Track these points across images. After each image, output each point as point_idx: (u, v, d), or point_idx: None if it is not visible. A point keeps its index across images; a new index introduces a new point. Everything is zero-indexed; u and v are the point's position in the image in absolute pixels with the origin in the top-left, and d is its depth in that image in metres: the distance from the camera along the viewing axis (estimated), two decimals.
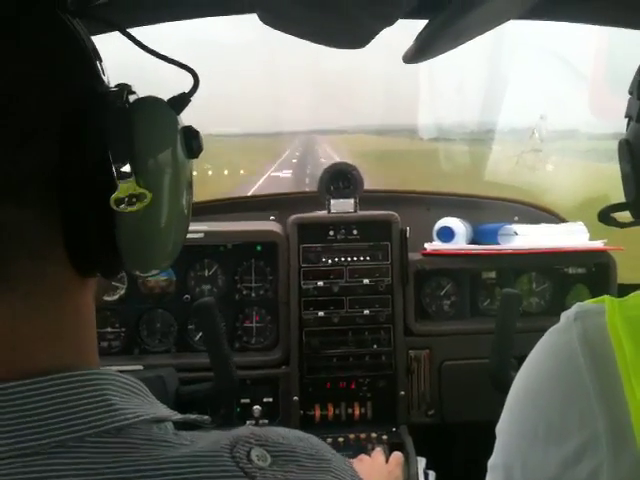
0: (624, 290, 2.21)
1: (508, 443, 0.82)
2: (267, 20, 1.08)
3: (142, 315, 2.18)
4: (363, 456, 1.66)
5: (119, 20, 1.17)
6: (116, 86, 0.60)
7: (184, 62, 0.68)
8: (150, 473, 0.49)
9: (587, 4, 1.19)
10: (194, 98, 0.65)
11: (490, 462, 0.85)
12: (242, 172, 24.15)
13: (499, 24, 1.03)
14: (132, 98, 0.59)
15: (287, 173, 24.46)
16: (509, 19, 1.04)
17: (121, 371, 0.59)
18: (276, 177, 23.49)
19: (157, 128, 0.59)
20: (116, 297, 2.10)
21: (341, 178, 2.27)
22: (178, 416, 0.58)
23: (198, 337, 2.20)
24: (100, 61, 0.62)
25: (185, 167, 0.61)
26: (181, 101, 0.64)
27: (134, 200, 0.54)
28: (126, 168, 0.54)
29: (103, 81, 0.61)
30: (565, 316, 0.79)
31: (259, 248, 2.22)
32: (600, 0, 1.17)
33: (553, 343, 0.80)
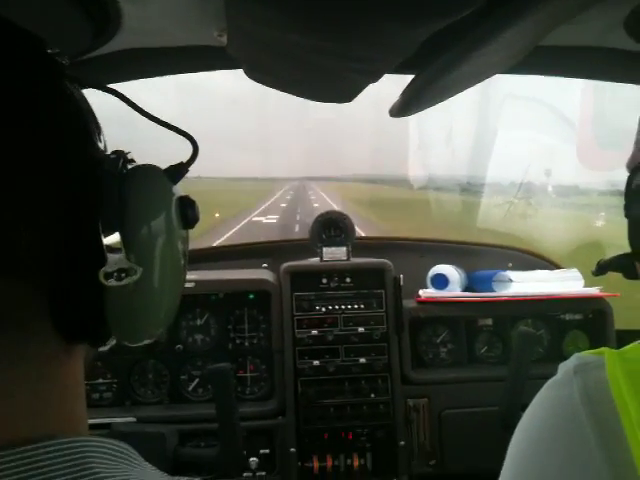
0: (622, 336, 2.22)
1: None
2: (253, 76, 1.09)
3: (134, 366, 2.15)
4: None
5: (106, 75, 1.18)
6: (112, 153, 0.58)
7: (181, 128, 0.67)
8: None
9: (569, 58, 1.21)
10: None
11: None
12: (217, 215, 23.34)
13: (485, 79, 1.04)
14: (130, 166, 0.58)
15: (272, 219, 24.18)
16: (495, 74, 1.05)
17: (112, 424, 0.56)
18: (257, 222, 23.18)
19: (150, 199, 0.57)
20: (107, 348, 2.07)
21: (333, 226, 2.27)
22: None
23: (191, 387, 2.16)
24: (97, 127, 0.60)
25: (179, 238, 0.59)
26: (179, 170, 0.62)
27: (123, 275, 0.53)
28: (115, 239, 0.52)
29: (98, 148, 0.59)
30: (564, 369, 0.76)
31: (252, 297, 2.20)
32: (584, 54, 1.18)
33: (553, 398, 0.77)
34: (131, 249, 0.53)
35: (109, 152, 0.59)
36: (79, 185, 0.53)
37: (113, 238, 0.53)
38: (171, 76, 1.33)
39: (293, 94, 1.16)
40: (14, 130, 0.49)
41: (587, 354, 0.76)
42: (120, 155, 0.57)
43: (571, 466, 0.69)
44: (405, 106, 1.05)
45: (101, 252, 0.52)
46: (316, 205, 30.43)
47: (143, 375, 2.15)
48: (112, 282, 0.52)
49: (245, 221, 23.55)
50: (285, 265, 2.19)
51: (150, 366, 2.16)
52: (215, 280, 2.18)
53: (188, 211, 0.59)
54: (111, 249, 0.53)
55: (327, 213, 2.32)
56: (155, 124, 0.67)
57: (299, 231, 18.19)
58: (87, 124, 0.58)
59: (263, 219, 24.47)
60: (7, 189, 0.48)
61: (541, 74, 1.32)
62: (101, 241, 0.52)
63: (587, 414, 0.69)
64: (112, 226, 0.52)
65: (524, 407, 1.79)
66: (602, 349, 0.75)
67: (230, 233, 18.49)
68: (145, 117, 0.66)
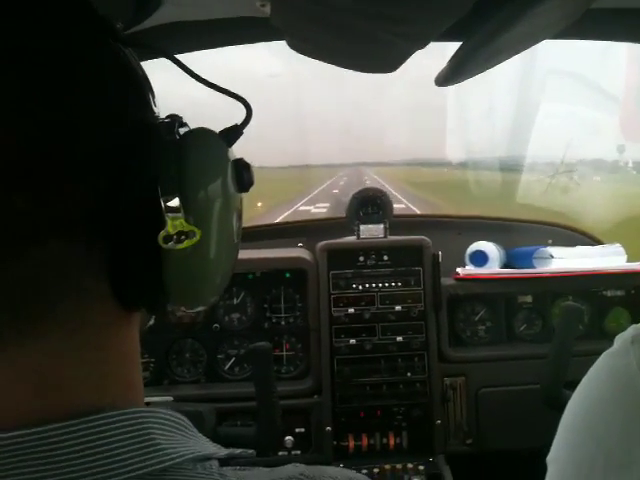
0: None
1: (562, 474, 0.77)
2: (296, 46, 1.07)
3: (171, 345, 2.16)
4: None
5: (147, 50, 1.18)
6: (167, 117, 0.58)
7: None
8: None
9: (621, 21, 1.17)
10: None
11: None
12: (259, 204, 21.02)
13: (535, 43, 1.00)
14: (183, 130, 0.57)
15: (322, 207, 22.24)
16: (544, 38, 1.01)
17: (151, 403, 0.56)
18: (304, 212, 21.71)
19: (208, 162, 0.56)
20: (145, 327, 2.09)
21: (370, 203, 2.24)
22: (223, 452, 0.55)
23: (228, 366, 2.17)
24: (151, 91, 0.60)
25: (236, 201, 0.59)
26: (233, 133, 0.62)
27: (183, 238, 0.52)
28: (175, 203, 0.51)
29: (154, 112, 0.59)
30: (621, 339, 0.75)
31: (288, 275, 2.20)
32: (633, 16, 1.14)
33: (610, 367, 0.75)
34: (190, 212, 0.52)
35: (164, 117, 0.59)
36: (137, 147, 0.52)
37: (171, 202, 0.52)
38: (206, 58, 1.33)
39: (336, 64, 1.14)
40: (75, 90, 0.49)
41: None
42: (175, 119, 0.57)
43: (629, 434, 0.68)
44: (452, 74, 1.02)
45: (160, 215, 0.51)
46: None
47: (180, 354, 2.17)
48: (171, 245, 0.52)
49: (290, 211, 21.93)
50: (322, 243, 2.17)
51: (187, 345, 2.17)
52: (252, 259, 2.18)
53: (244, 174, 0.59)
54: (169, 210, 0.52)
55: (365, 190, 2.29)
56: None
57: None
58: (143, 88, 0.58)
59: (312, 208, 22.89)
60: (61, 147, 0.47)
61: (592, 38, 1.28)
62: (160, 204, 0.51)
63: None
64: (171, 189, 0.52)
65: (567, 384, 1.77)
66: None
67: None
68: (199, 82, 0.66)
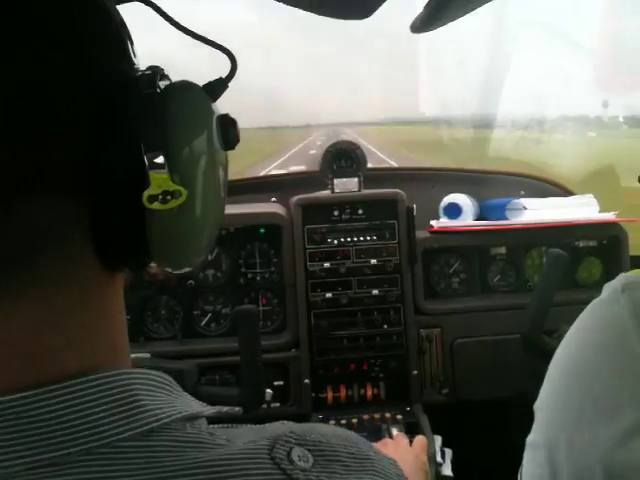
0: (637, 262, 2.20)
1: (550, 421, 0.77)
2: None
3: (147, 302, 2.16)
4: (387, 440, 1.63)
5: None
6: (147, 69, 0.55)
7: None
8: (186, 479, 0.47)
9: None
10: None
11: (529, 440, 0.80)
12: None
13: None
14: (164, 84, 0.54)
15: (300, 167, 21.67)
16: None
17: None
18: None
19: (192, 117, 0.54)
20: (127, 286, 2.07)
21: (344, 157, 2.23)
22: (210, 411, 0.55)
23: (204, 322, 2.17)
24: (131, 41, 0.57)
25: (221, 158, 0.57)
26: (218, 87, 0.60)
27: (168, 198, 0.50)
28: (159, 160, 0.49)
29: (134, 63, 0.56)
30: (610, 288, 0.75)
31: (262, 231, 2.19)
32: None
33: (600, 316, 0.76)
34: (175, 170, 0.50)
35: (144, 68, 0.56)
36: (116, 101, 0.50)
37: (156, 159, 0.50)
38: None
39: (308, 10, 1.11)
40: (45, 41, 0.46)
41: (633, 274, 0.76)
42: (156, 71, 0.54)
43: (621, 382, 0.68)
44: (427, 20, 1.00)
45: (144, 174, 0.49)
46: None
47: (156, 311, 2.16)
48: (156, 205, 0.50)
49: (264, 172, 21.77)
50: (296, 198, 2.16)
51: (162, 302, 2.16)
52: (225, 215, 2.16)
53: (230, 130, 0.57)
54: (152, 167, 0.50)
55: (338, 143, 2.26)
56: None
57: None
58: (121, 36, 0.55)
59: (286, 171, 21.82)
60: (41, 100, 0.45)
61: None
62: (144, 162, 0.49)
63: (636, 329, 0.68)
64: (154, 146, 0.49)
65: (547, 332, 1.78)
66: None
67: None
68: (179, 30, 0.64)
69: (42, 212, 0.46)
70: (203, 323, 2.18)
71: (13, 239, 0.45)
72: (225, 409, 0.58)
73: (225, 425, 0.57)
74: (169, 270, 0.60)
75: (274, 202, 2.38)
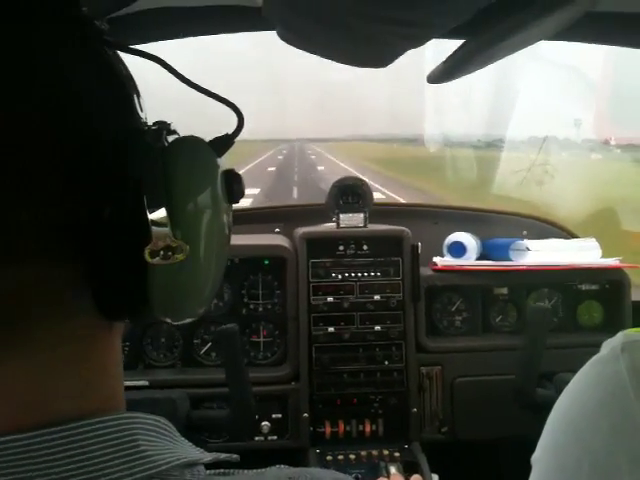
0: (639, 308, 2.20)
1: (546, 475, 0.77)
2: (287, 38, 1.04)
3: (146, 329, 2.15)
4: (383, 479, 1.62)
5: (136, 35, 1.14)
6: (154, 124, 0.55)
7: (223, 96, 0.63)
8: None
9: (620, 25, 1.17)
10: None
11: None
12: None
13: (532, 44, 1.00)
14: (171, 138, 0.55)
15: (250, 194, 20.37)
16: (542, 39, 1.01)
17: (127, 387, 0.56)
18: None
19: (197, 172, 0.54)
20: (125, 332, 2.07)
21: (350, 192, 2.24)
22: (208, 458, 0.55)
23: (204, 351, 2.17)
24: (138, 95, 0.57)
25: (226, 213, 0.57)
26: (224, 142, 0.59)
27: (170, 254, 0.50)
28: (162, 215, 0.49)
29: (140, 118, 0.56)
30: (610, 346, 0.74)
31: (267, 262, 2.19)
32: (633, 22, 1.15)
33: (598, 374, 0.75)
34: (178, 225, 0.50)
35: (150, 123, 0.56)
36: (120, 157, 0.50)
37: (157, 214, 0.50)
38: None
39: (325, 57, 1.12)
40: (49, 93, 0.47)
41: (633, 332, 0.75)
42: (162, 126, 0.54)
43: (616, 441, 0.67)
44: (447, 72, 1.01)
45: (146, 229, 0.49)
46: (321, 168, 27.72)
47: (156, 339, 2.15)
48: (158, 260, 0.50)
49: None
50: (302, 231, 2.17)
51: (163, 330, 2.16)
52: (230, 245, 2.16)
53: (234, 185, 0.57)
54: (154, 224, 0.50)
55: (345, 179, 2.28)
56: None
57: (298, 197, 17.33)
58: (127, 91, 0.56)
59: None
60: (40, 159, 0.45)
61: (589, 42, 1.28)
62: (147, 217, 0.49)
63: (635, 390, 0.68)
64: (157, 201, 0.49)
65: (542, 376, 1.79)
66: None
67: None
68: (186, 84, 0.63)
69: (43, 276, 0.47)
70: (203, 352, 2.17)
71: (10, 304, 0.45)
72: (223, 456, 0.57)
73: (223, 471, 0.57)
74: (170, 321, 0.60)
75: (278, 233, 2.39)
